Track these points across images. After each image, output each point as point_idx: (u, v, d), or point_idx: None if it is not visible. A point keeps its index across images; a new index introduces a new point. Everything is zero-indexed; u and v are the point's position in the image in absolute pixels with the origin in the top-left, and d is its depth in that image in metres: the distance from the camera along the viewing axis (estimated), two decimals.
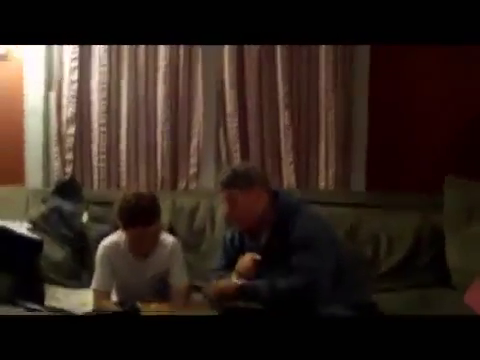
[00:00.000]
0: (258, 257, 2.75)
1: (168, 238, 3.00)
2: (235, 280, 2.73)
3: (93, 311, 2.81)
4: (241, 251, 2.88)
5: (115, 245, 2.93)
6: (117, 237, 2.94)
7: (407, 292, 3.24)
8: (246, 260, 2.78)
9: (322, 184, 3.85)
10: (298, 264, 2.63)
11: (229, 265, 2.89)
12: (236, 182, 2.76)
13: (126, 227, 2.80)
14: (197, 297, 3.03)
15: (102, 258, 2.93)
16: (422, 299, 3.13)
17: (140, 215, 2.75)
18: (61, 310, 2.89)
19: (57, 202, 3.49)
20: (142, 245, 2.87)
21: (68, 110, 3.82)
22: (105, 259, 2.92)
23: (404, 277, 3.36)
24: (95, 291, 2.93)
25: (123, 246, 2.92)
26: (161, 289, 2.93)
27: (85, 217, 3.49)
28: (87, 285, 3.15)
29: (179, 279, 2.94)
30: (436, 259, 3.39)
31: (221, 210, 3.45)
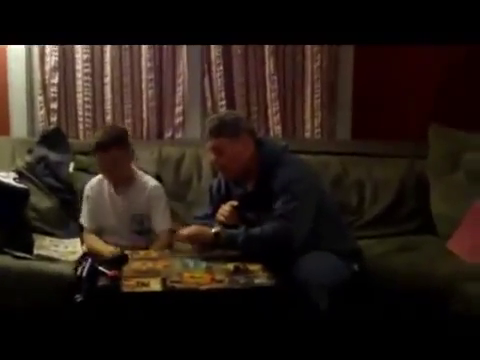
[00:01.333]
0: (235, 204, 2.80)
1: (151, 181, 3.12)
2: (215, 228, 2.75)
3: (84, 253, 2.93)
4: (227, 199, 2.91)
5: (98, 182, 3.12)
6: (100, 176, 3.12)
7: (392, 239, 3.29)
8: (225, 208, 2.82)
9: (308, 133, 3.86)
10: (276, 209, 2.67)
11: (214, 214, 2.92)
12: (223, 131, 2.76)
13: (94, 155, 3.02)
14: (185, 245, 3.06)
15: (86, 196, 3.13)
16: (406, 246, 3.18)
17: (98, 143, 2.95)
18: (49, 258, 2.92)
19: (43, 152, 3.47)
20: (105, 171, 3.02)
21: (51, 59, 3.76)
22: (87, 199, 3.13)
23: (389, 224, 3.41)
24: (85, 229, 3.09)
25: (105, 184, 3.10)
26: (142, 231, 3.06)
27: (71, 167, 3.47)
28: (74, 234, 3.18)
29: (160, 224, 3.05)
30: (421, 207, 3.44)
31: (208, 158, 3.46)
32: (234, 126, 2.77)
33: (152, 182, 3.11)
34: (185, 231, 2.78)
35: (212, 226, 2.80)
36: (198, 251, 2.77)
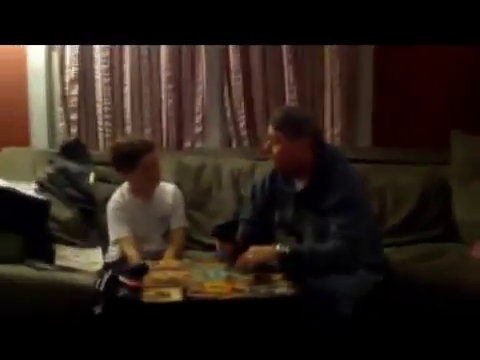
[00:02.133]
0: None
1: (168, 185, 3.21)
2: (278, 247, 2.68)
3: (119, 259, 2.94)
4: (271, 199, 2.90)
5: (121, 197, 3.15)
6: (119, 191, 3.17)
7: (414, 246, 3.26)
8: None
9: (328, 141, 3.84)
10: (339, 225, 2.61)
11: (259, 213, 2.93)
12: (283, 127, 2.72)
13: (136, 162, 2.98)
14: (205, 255, 3.06)
15: (113, 211, 3.13)
16: (430, 253, 3.15)
17: (144, 144, 3.02)
18: (71, 269, 2.92)
19: (63, 163, 3.48)
20: (155, 173, 3.07)
21: (71, 70, 3.79)
22: (116, 211, 3.13)
23: (411, 232, 3.38)
24: (117, 241, 3.08)
25: (127, 195, 3.14)
26: (166, 232, 3.15)
27: (91, 177, 3.48)
28: (95, 244, 3.19)
29: (179, 222, 3.15)
30: (443, 213, 3.40)
31: (235, 164, 3.53)
32: (295, 127, 2.72)
33: (169, 185, 3.22)
34: (250, 255, 2.68)
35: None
36: (246, 270, 2.67)
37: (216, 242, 2.88)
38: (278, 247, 2.66)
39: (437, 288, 2.77)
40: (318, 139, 2.80)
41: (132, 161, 2.99)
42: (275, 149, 2.74)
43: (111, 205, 3.14)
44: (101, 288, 2.53)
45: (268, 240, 2.80)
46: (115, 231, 3.10)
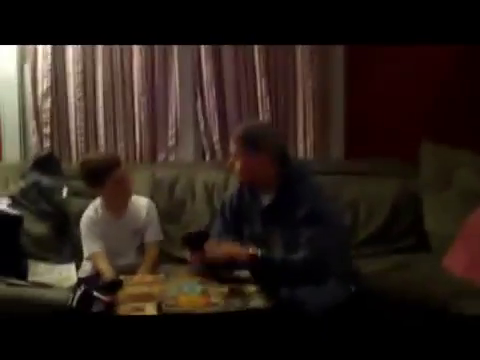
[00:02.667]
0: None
1: (142, 199, 3.21)
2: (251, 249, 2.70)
3: (93, 274, 2.96)
4: (239, 211, 2.91)
5: (93, 212, 3.14)
6: (92, 206, 3.16)
7: (386, 257, 3.29)
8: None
9: (301, 154, 3.87)
10: (310, 238, 2.63)
11: (225, 229, 2.93)
12: (242, 142, 2.75)
13: (105, 177, 2.98)
14: (180, 269, 3.06)
15: (86, 227, 3.12)
16: (401, 264, 3.18)
17: (112, 160, 3.04)
18: (43, 284, 2.91)
19: (36, 177, 3.46)
20: (125, 189, 3.07)
21: (43, 83, 3.78)
22: (88, 226, 3.11)
23: (383, 243, 3.42)
24: (90, 257, 3.07)
25: (101, 210, 3.13)
26: (140, 246, 3.16)
27: (65, 192, 3.47)
28: (69, 260, 3.18)
29: (154, 236, 3.16)
30: (414, 224, 3.45)
31: (208, 176, 3.53)
32: (253, 142, 2.74)
33: (143, 199, 3.21)
34: (218, 249, 2.73)
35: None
36: (205, 273, 2.73)
37: (187, 251, 2.88)
38: (251, 249, 2.68)
39: (407, 300, 2.80)
40: (281, 154, 2.81)
41: (101, 177, 2.99)
42: (237, 164, 2.77)
43: (84, 220, 3.13)
44: (74, 304, 2.52)
45: None
46: (88, 246, 3.09)
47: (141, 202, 3.19)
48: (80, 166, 3.10)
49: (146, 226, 3.13)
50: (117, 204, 3.11)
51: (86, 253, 3.09)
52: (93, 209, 3.15)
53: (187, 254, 2.86)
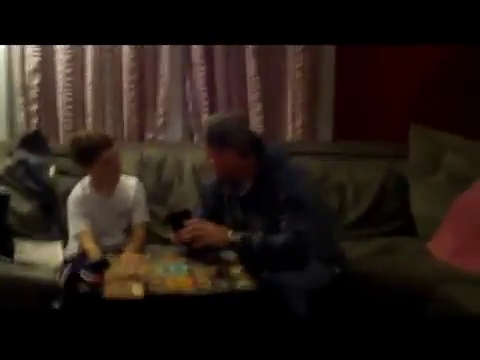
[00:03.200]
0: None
1: (130, 179, 3.17)
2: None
3: (79, 254, 2.92)
4: (220, 199, 2.91)
5: (81, 191, 3.10)
6: (80, 185, 3.12)
7: (372, 241, 3.30)
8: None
9: (289, 135, 3.87)
10: (290, 221, 2.64)
11: (206, 214, 2.91)
12: (209, 139, 2.75)
13: (94, 157, 2.94)
14: (166, 249, 3.06)
15: (73, 205, 3.09)
16: (387, 247, 3.20)
17: (104, 139, 2.98)
18: (29, 264, 2.90)
19: (23, 155, 3.44)
20: (114, 169, 3.03)
21: (32, 60, 3.73)
22: (76, 205, 3.08)
23: (370, 226, 3.44)
24: (76, 235, 3.04)
25: (89, 189, 3.09)
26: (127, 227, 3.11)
27: (52, 170, 3.45)
28: (56, 238, 3.17)
29: (141, 217, 3.11)
30: (401, 208, 3.46)
31: (197, 157, 3.50)
32: (219, 139, 2.74)
33: (132, 179, 3.18)
34: (199, 224, 2.71)
35: None
36: (191, 254, 2.72)
37: (170, 230, 2.86)
38: (230, 234, 2.68)
39: (392, 283, 2.82)
40: (251, 145, 2.79)
41: (90, 156, 2.95)
42: (214, 163, 2.78)
43: (71, 199, 3.11)
44: (62, 281, 2.51)
45: None
46: (75, 225, 3.06)
47: (129, 182, 3.16)
48: (71, 143, 3.04)
49: (134, 207, 3.11)
50: (106, 184, 3.08)
51: (72, 232, 3.06)
52: (81, 188, 3.11)
53: (170, 233, 2.85)
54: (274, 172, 2.73)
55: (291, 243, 2.62)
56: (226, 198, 2.89)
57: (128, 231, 3.11)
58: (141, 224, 3.11)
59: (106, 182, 3.08)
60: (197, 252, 2.73)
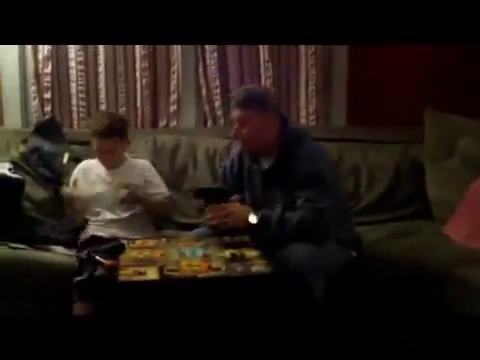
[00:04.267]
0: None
1: (140, 160, 3.23)
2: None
3: (92, 238, 2.92)
4: (240, 176, 2.91)
5: (87, 163, 3.22)
6: (90, 160, 3.22)
7: (388, 225, 3.29)
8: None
9: (303, 120, 3.86)
10: (308, 199, 2.63)
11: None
12: (251, 103, 2.73)
13: (92, 139, 3.06)
14: (181, 234, 3.06)
15: (75, 173, 3.20)
16: (403, 231, 3.18)
17: (102, 129, 3.00)
18: (45, 248, 2.91)
19: (37, 142, 3.44)
20: (101, 156, 3.09)
21: (44, 48, 3.73)
22: (77, 173, 3.20)
23: (385, 210, 3.41)
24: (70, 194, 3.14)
25: (95, 162, 3.17)
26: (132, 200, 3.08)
27: (66, 158, 3.45)
28: (70, 224, 3.17)
29: (161, 188, 3.16)
30: (416, 192, 3.44)
31: (210, 143, 3.48)
32: (262, 100, 2.74)
33: (141, 160, 3.22)
34: (225, 211, 2.68)
35: None
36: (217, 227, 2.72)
37: (200, 208, 2.86)
38: (250, 218, 2.67)
39: (409, 266, 2.80)
40: (281, 114, 2.83)
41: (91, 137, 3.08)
42: (245, 130, 2.74)
43: (74, 173, 3.21)
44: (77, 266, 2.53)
45: None
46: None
47: (136, 162, 3.20)
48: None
49: (147, 181, 3.12)
50: (104, 162, 3.13)
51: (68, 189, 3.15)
52: (89, 161, 3.22)
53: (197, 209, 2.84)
54: (296, 148, 2.72)
55: (307, 220, 2.62)
56: (247, 174, 2.88)
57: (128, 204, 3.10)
58: (169, 196, 3.17)
59: (104, 164, 3.14)
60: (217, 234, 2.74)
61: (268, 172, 2.79)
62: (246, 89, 2.86)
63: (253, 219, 2.67)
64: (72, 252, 2.87)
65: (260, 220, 2.66)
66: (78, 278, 2.64)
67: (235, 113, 2.77)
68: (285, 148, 2.75)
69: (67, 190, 3.14)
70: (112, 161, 3.10)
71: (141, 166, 3.18)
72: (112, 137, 3.02)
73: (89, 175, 3.15)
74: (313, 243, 2.60)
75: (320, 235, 2.63)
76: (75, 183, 3.16)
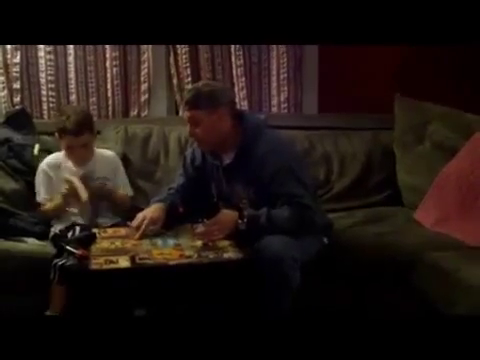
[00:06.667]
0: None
1: (107, 152, 3.18)
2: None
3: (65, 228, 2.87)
4: (202, 170, 2.90)
5: (53, 160, 3.11)
6: (55, 155, 3.14)
7: (360, 211, 3.32)
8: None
9: (274, 108, 3.86)
10: (292, 195, 2.64)
11: (188, 184, 2.94)
12: (199, 102, 2.69)
13: (60, 137, 2.99)
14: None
15: (41, 174, 3.09)
16: (374, 217, 3.21)
17: (72, 127, 2.92)
18: (17, 239, 2.89)
19: (7, 134, 3.40)
20: (73, 154, 3.00)
21: None
22: (44, 174, 3.08)
23: (357, 197, 3.44)
24: (42, 204, 3.05)
25: (62, 158, 3.07)
26: (102, 195, 3.03)
27: (36, 149, 3.41)
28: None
29: (126, 188, 3.13)
30: (388, 178, 3.47)
31: (182, 132, 3.46)
32: (210, 98, 2.69)
33: (108, 152, 3.18)
34: (216, 225, 2.68)
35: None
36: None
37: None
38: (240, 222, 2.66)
39: (380, 252, 2.83)
40: (236, 109, 2.81)
41: (58, 134, 3.01)
42: (196, 128, 2.72)
43: (39, 168, 3.11)
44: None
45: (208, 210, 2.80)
46: (38, 194, 3.08)
47: (106, 154, 3.15)
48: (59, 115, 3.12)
49: (113, 179, 3.09)
50: (74, 160, 3.05)
51: (38, 198, 3.06)
52: (54, 157, 3.12)
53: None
54: (257, 141, 2.71)
55: (297, 217, 2.63)
56: (209, 168, 2.88)
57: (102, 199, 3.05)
58: (127, 195, 3.11)
59: (74, 162, 3.06)
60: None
61: (229, 167, 2.78)
62: (195, 87, 2.82)
63: (242, 225, 2.66)
64: (44, 243, 2.85)
65: (248, 221, 2.65)
66: (57, 261, 2.61)
67: (185, 113, 2.76)
68: (244, 143, 2.73)
69: (49, 206, 3.03)
70: (83, 158, 3.03)
71: (111, 159, 3.15)
72: (84, 133, 2.95)
73: (60, 174, 3.05)
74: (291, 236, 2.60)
75: (307, 230, 2.65)
76: (42, 176, 3.07)
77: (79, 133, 2.93)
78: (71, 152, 3.00)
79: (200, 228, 2.71)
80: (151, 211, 2.77)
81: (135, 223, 2.73)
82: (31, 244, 2.90)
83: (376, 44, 3.09)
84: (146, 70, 3.82)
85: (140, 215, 2.76)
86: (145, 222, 2.71)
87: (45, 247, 2.82)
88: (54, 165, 3.08)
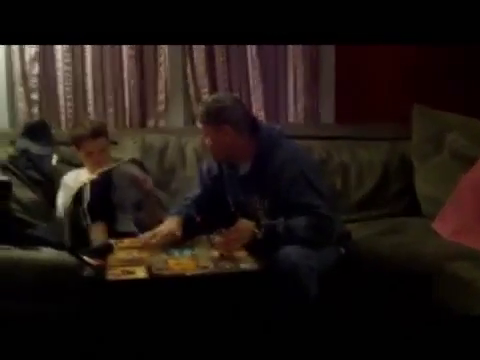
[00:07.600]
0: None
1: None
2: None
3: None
4: (219, 180, 2.91)
5: (75, 174, 3.18)
6: (76, 170, 3.21)
7: (377, 221, 3.30)
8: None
9: (291, 118, 3.86)
10: (311, 205, 2.63)
11: (205, 194, 2.95)
12: (206, 118, 2.74)
13: (78, 146, 3.11)
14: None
15: (63, 185, 3.16)
16: (392, 228, 3.19)
17: (91, 130, 3.06)
18: (34, 248, 2.90)
19: (26, 144, 3.42)
20: (92, 158, 3.08)
21: (31, 49, 3.72)
22: (66, 186, 3.14)
23: (374, 207, 3.42)
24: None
25: (83, 172, 3.15)
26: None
27: (54, 160, 3.44)
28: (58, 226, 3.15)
29: None
30: (405, 188, 3.45)
31: (192, 144, 3.49)
32: (217, 116, 2.72)
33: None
34: (234, 234, 2.68)
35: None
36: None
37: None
38: (254, 227, 2.65)
39: (399, 262, 2.80)
40: (247, 122, 2.79)
41: (76, 145, 3.11)
42: (207, 140, 2.76)
43: (62, 182, 3.18)
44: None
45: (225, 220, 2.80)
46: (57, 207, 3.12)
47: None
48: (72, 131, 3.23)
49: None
50: (94, 165, 3.09)
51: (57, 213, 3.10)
52: (76, 172, 3.19)
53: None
54: (274, 150, 2.72)
55: (314, 227, 2.61)
56: (226, 178, 2.88)
57: None
58: None
59: (93, 170, 3.08)
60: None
61: (245, 177, 2.79)
62: (205, 103, 2.87)
63: (259, 234, 2.65)
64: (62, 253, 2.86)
65: (265, 230, 2.64)
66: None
67: (200, 125, 2.83)
68: (260, 152, 2.74)
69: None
70: (101, 163, 3.06)
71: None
72: (100, 136, 3.06)
73: (77, 183, 3.06)
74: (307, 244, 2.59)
75: (325, 240, 2.64)
76: (63, 190, 3.13)
77: (96, 135, 3.04)
78: (90, 157, 3.07)
79: (218, 238, 2.71)
80: (167, 226, 2.78)
81: (152, 240, 2.73)
82: (48, 253, 2.90)
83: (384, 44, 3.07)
84: (163, 80, 3.84)
85: (157, 231, 2.76)
86: (161, 237, 2.72)
87: (62, 255, 2.82)
88: (74, 179, 3.13)
